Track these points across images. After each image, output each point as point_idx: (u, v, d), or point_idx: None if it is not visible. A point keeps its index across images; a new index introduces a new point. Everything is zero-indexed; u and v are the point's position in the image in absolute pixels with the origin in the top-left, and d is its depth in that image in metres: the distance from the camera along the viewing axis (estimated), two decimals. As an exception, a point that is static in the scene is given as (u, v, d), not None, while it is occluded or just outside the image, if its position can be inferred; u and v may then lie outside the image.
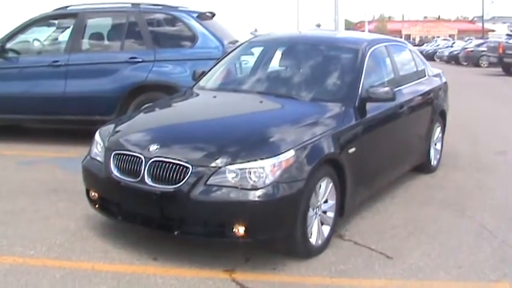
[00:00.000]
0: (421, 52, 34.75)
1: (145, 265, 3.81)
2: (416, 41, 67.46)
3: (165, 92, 6.63)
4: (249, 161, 3.60)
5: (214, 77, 5.25)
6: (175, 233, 3.71)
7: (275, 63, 5.44)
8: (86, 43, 7.45)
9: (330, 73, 4.93)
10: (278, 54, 5.40)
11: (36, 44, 7.73)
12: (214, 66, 5.41)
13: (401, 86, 5.36)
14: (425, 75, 6.16)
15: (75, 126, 7.45)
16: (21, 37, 7.53)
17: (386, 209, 5.07)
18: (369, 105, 4.61)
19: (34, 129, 7.98)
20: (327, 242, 4.08)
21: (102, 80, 7.08)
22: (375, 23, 74.81)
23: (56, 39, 7.78)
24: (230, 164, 3.59)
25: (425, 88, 5.95)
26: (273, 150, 3.66)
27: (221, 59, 5.51)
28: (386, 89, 4.60)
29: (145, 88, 7.03)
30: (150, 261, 3.86)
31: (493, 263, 3.96)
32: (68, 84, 7.11)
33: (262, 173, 3.56)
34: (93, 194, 4.20)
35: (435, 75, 6.54)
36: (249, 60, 5.86)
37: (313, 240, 3.91)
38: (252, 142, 3.78)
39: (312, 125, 4.10)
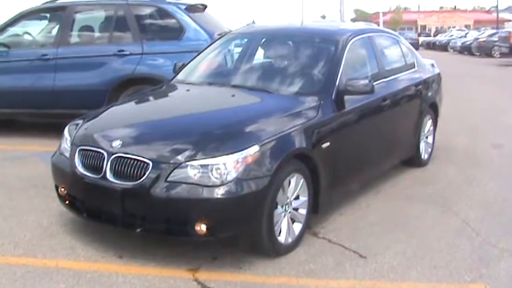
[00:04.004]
0: (434, 43, 34.30)
1: (110, 263, 3.70)
2: (432, 32, 66.71)
3: (153, 84, 6.48)
4: (210, 157, 3.46)
5: (191, 70, 5.10)
6: (138, 230, 3.59)
7: (257, 56, 5.27)
8: (74, 36, 7.34)
9: (307, 65, 4.75)
10: (258, 47, 5.24)
11: (27, 37, 7.64)
12: (194, 59, 5.26)
13: (385, 78, 5.17)
14: (414, 67, 5.94)
15: (65, 119, 7.35)
16: (12, 31, 7.45)
17: (368, 204, 4.89)
18: (349, 99, 4.44)
19: (25, 123, 7.91)
20: (298, 239, 3.93)
21: (90, 73, 7.00)
22: (391, 14, 74.13)
23: (46, 32, 7.69)
24: (191, 160, 3.46)
25: (413, 80, 5.73)
26: (236, 146, 3.51)
27: (200, 52, 5.36)
28: (365, 81, 4.41)
29: (133, 81, 6.91)
30: (115, 258, 3.75)
31: (470, 263, 3.78)
32: (57, 78, 7.03)
33: (224, 170, 3.42)
34: (61, 190, 4.10)
35: (427, 67, 6.31)
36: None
37: (282, 238, 3.76)
38: (215, 137, 3.64)
39: (282, 119, 3.94)
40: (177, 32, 7.04)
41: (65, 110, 6.99)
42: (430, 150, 6.25)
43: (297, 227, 3.92)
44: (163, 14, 7.19)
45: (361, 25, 6.46)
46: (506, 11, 66.47)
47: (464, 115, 9.41)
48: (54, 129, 7.35)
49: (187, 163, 3.45)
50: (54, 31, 7.39)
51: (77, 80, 6.99)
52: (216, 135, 3.68)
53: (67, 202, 4.06)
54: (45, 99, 7.04)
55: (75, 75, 7.01)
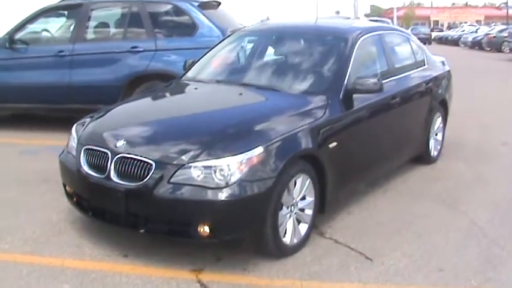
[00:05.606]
0: (446, 38, 33.58)
1: (115, 262, 3.53)
2: (444, 27, 65.78)
3: (166, 80, 6.30)
4: (214, 158, 3.25)
5: (201, 67, 4.89)
6: (141, 231, 3.42)
7: (266, 54, 5.05)
8: (90, 33, 7.18)
9: (316, 63, 4.51)
10: (267, 45, 5.01)
11: (44, 34, 7.50)
12: (203, 56, 5.05)
13: (395, 76, 4.91)
14: (424, 65, 5.66)
15: (80, 114, 7.22)
16: (30, 28, 7.31)
17: (376, 203, 4.66)
18: (357, 97, 4.20)
19: (41, 117, 7.77)
20: (304, 240, 3.71)
21: (104, 69, 6.84)
22: (404, 10, 73.21)
23: (63, 29, 7.54)
24: (194, 161, 3.26)
25: (423, 78, 5.45)
26: (240, 147, 3.30)
27: (210, 50, 5.14)
28: (374, 80, 4.16)
29: (147, 77, 6.73)
30: (120, 258, 3.59)
31: (477, 266, 3.55)
32: (73, 74, 6.88)
33: (228, 171, 3.22)
34: (68, 188, 3.94)
35: (437, 64, 6.03)
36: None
37: (287, 239, 3.55)
38: (219, 138, 3.43)
39: (288, 118, 3.72)
40: (190, 29, 6.83)
41: (80, 105, 6.83)
42: (439, 147, 5.98)
43: (303, 228, 3.71)
44: (176, 11, 6.98)
45: (370, 23, 6.17)
46: (517, 7, 65.02)
47: (474, 111, 9.09)
48: (70, 124, 7.23)
49: (190, 164, 3.26)
50: (71, 28, 7.24)
51: (92, 75, 6.84)
52: (220, 135, 3.47)
53: (74, 200, 3.90)
54: (61, 94, 6.90)
55: (90, 71, 6.86)
